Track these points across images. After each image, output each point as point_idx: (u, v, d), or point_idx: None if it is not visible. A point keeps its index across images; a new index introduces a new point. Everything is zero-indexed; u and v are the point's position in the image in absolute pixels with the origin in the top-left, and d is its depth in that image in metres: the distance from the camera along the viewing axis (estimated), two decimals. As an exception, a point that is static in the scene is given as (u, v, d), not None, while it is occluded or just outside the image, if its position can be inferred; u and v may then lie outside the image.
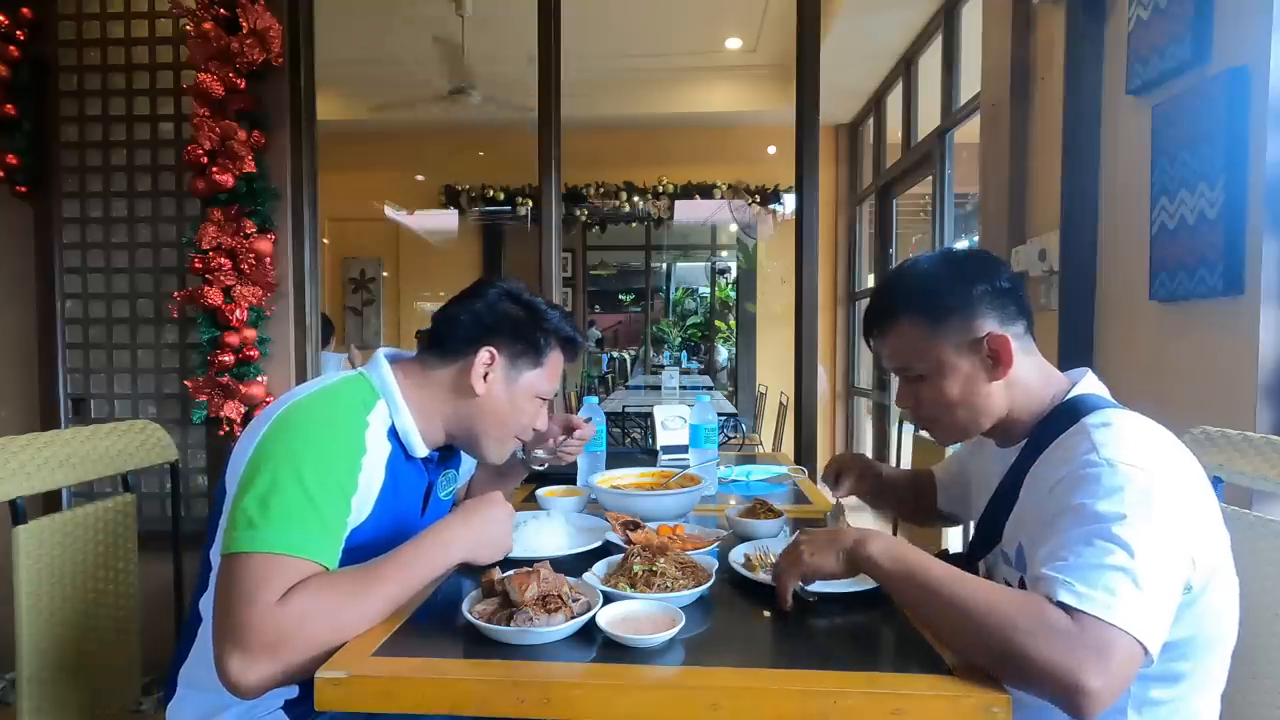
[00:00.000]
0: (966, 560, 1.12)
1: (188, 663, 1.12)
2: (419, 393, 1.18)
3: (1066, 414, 1.00)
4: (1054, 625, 0.77)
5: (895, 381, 1.14)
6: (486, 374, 1.19)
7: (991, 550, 1.08)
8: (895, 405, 1.16)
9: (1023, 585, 0.97)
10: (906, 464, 2.27)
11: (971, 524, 1.20)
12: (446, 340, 1.21)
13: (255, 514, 0.95)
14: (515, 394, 1.22)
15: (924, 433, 2.09)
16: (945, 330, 1.03)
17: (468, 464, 1.47)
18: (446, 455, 1.30)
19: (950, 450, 1.49)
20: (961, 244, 4.86)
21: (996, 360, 1.02)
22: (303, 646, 0.91)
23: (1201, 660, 0.92)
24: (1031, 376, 1.05)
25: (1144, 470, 0.86)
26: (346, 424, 1.08)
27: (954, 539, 2.50)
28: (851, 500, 1.42)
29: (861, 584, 1.01)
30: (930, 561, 0.89)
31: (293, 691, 1.09)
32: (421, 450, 1.18)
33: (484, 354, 1.19)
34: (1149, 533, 0.82)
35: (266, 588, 0.92)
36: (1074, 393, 1.04)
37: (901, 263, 1.14)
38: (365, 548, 1.08)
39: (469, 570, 1.12)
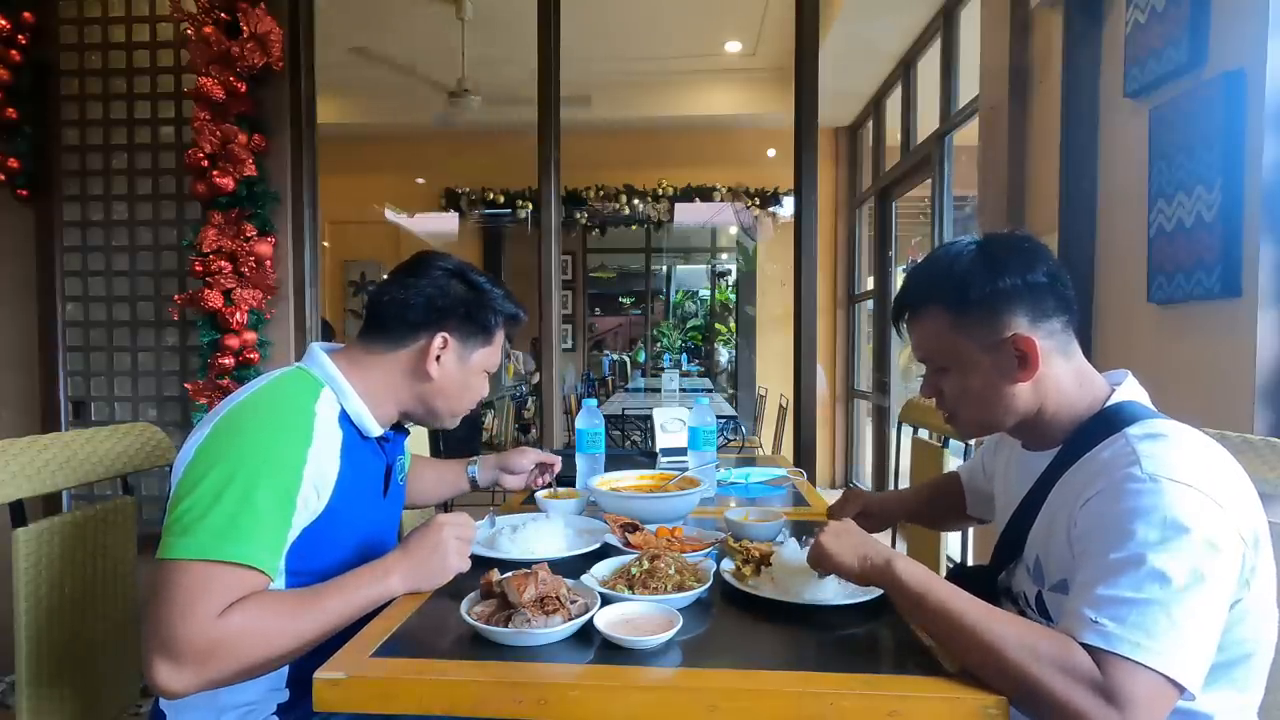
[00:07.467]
0: (989, 572, 1.08)
1: None
2: (365, 376, 1.16)
3: (1105, 423, 0.94)
4: (1078, 670, 0.76)
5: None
6: (439, 356, 1.18)
7: (1015, 561, 1.03)
8: (920, 395, 1.11)
9: (1040, 598, 0.95)
10: (906, 465, 2.26)
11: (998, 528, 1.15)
12: (393, 323, 1.18)
13: (193, 521, 0.94)
14: (467, 374, 1.23)
15: (924, 432, 2.10)
16: (969, 326, 0.97)
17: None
18: (397, 435, 1.29)
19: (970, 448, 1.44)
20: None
21: (1023, 362, 0.95)
22: (232, 662, 0.92)
23: (1235, 678, 0.87)
24: (1066, 377, 0.97)
25: (1191, 489, 0.80)
26: (292, 419, 1.05)
27: (953, 546, 2.50)
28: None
29: (868, 593, 1.01)
30: (953, 591, 0.86)
31: (284, 695, 1.09)
32: (376, 430, 1.17)
33: (439, 339, 1.18)
34: (1192, 559, 0.77)
35: (205, 600, 0.91)
36: (1115, 399, 0.96)
37: (938, 246, 1.08)
38: (329, 538, 1.08)
39: (469, 572, 1.12)
